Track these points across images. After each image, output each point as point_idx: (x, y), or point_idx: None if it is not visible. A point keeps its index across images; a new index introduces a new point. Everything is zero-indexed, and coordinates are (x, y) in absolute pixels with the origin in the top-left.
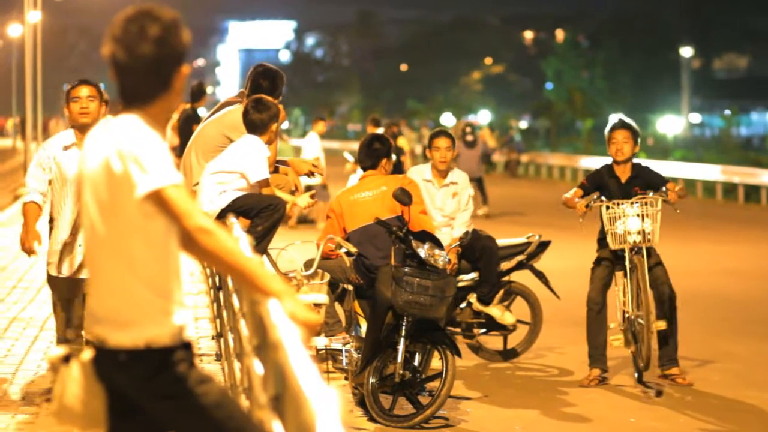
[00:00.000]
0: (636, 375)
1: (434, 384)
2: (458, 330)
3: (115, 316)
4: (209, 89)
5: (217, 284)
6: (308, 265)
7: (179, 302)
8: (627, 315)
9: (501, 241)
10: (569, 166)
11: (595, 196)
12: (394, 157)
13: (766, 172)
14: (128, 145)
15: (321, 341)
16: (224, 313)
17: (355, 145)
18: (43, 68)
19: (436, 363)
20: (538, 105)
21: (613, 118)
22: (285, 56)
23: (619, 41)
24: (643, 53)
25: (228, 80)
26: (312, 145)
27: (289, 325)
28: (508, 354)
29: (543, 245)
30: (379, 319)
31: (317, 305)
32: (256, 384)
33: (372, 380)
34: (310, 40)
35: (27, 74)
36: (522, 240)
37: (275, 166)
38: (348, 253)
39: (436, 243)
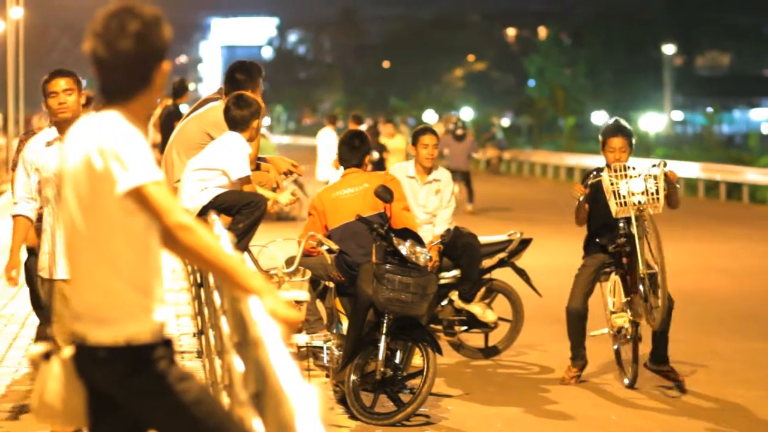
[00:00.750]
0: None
1: (415, 381)
2: (439, 327)
3: (96, 313)
4: (191, 86)
5: (199, 281)
6: (289, 262)
7: (160, 299)
8: (613, 313)
9: (483, 239)
10: (551, 164)
11: (594, 172)
12: (376, 154)
13: (748, 170)
14: (109, 141)
15: (302, 338)
16: (205, 310)
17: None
18: (25, 64)
19: (417, 360)
20: (521, 102)
21: (609, 121)
22: (267, 53)
23: (602, 39)
24: (625, 51)
25: (210, 77)
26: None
27: (270, 322)
28: (489, 351)
29: (524, 243)
30: (361, 317)
31: (298, 302)
32: (236, 381)
33: (353, 378)
34: (292, 37)
35: (9, 70)
36: (503, 237)
37: (257, 163)
38: (329, 251)
39: (418, 240)
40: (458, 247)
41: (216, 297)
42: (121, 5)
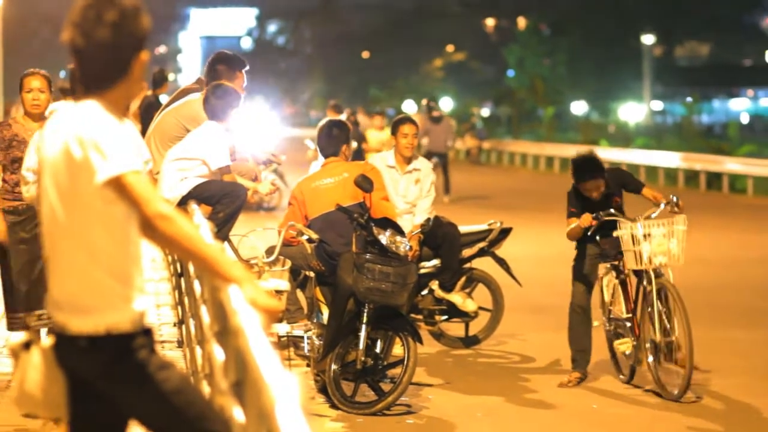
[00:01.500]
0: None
1: (396, 371)
2: (420, 317)
3: (76, 302)
4: (171, 76)
5: (179, 271)
6: (270, 251)
7: (140, 288)
8: (611, 314)
9: (463, 228)
10: (531, 154)
11: (603, 215)
12: (355, 144)
13: (728, 160)
14: (88, 131)
15: (282, 328)
16: (185, 300)
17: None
18: (4, 54)
19: (397, 350)
20: (500, 92)
21: (577, 157)
22: (247, 43)
23: (581, 29)
24: (604, 41)
25: (190, 67)
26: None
27: (250, 311)
28: (469, 341)
29: (504, 232)
30: (341, 306)
31: (278, 292)
32: (217, 370)
33: (334, 367)
34: (272, 27)
35: None
36: (483, 227)
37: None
38: (309, 240)
39: (398, 230)
40: (438, 236)
41: (196, 286)
42: None
